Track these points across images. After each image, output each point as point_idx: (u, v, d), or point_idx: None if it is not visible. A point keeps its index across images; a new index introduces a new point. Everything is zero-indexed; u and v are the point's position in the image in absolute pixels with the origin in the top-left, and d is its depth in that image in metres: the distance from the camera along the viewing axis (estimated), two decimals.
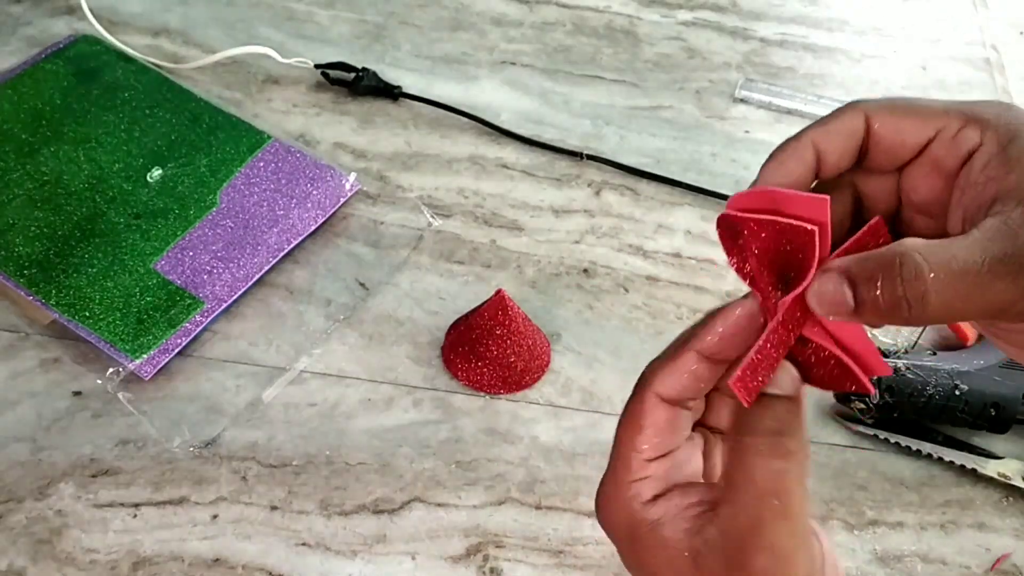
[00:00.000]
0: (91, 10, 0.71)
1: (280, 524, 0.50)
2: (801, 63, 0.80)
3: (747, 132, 0.73)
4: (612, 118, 0.73)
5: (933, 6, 0.87)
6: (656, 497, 0.29)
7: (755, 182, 0.30)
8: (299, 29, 0.77)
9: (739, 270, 0.29)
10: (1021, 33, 0.86)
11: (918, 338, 0.59)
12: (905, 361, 0.55)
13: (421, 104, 0.71)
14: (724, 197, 0.68)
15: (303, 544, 0.50)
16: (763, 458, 0.27)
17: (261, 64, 0.73)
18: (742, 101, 0.76)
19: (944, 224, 0.30)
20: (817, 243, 0.27)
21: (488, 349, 0.55)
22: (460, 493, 0.52)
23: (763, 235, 0.28)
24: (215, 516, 0.50)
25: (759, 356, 0.28)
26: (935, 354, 0.56)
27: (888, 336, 0.61)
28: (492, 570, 0.50)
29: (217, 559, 0.49)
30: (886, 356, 0.57)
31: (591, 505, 0.52)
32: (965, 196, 0.28)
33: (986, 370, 0.55)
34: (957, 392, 0.54)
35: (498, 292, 0.55)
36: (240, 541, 0.50)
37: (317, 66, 0.72)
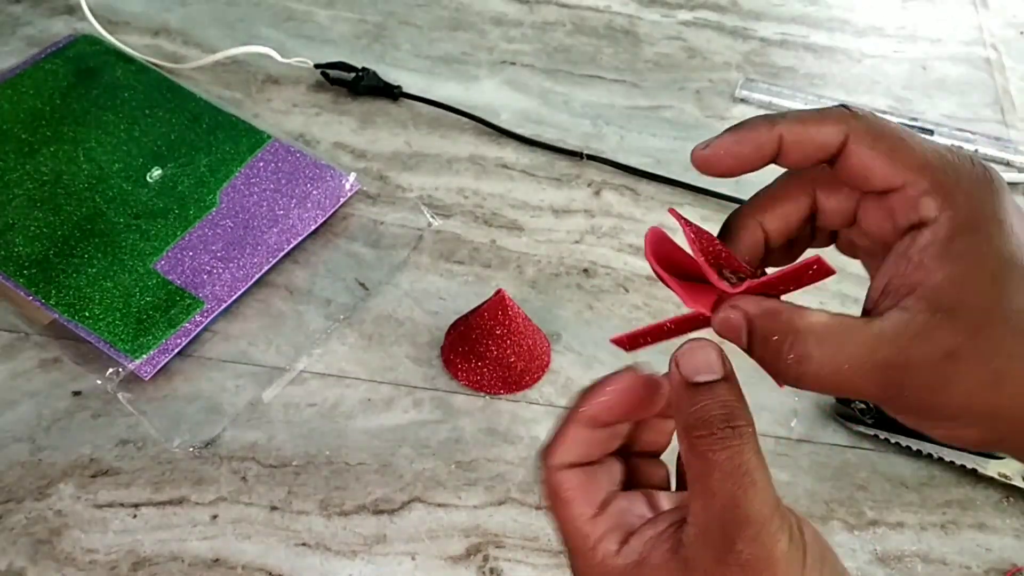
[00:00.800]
0: (91, 10, 0.71)
1: (280, 524, 0.50)
2: (801, 63, 0.80)
3: None
4: (612, 118, 0.73)
5: (933, 6, 0.87)
6: (623, 543, 0.29)
7: (712, 148, 0.30)
8: (299, 29, 0.77)
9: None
10: (1021, 33, 0.86)
11: None
12: None
13: (421, 104, 0.71)
14: (724, 197, 0.68)
15: (303, 544, 0.50)
16: (719, 443, 0.27)
17: (261, 64, 0.73)
18: (742, 101, 0.76)
19: (876, 267, 0.31)
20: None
21: (488, 349, 0.55)
22: (460, 493, 0.52)
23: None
24: (215, 516, 0.50)
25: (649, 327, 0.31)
26: None
27: None
28: (492, 570, 0.50)
29: (217, 559, 0.49)
30: None
31: None
32: (896, 266, 0.28)
33: None
34: None
35: (498, 292, 0.55)
36: (240, 541, 0.50)
37: (317, 66, 0.72)
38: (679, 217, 0.30)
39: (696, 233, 0.30)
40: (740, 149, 0.29)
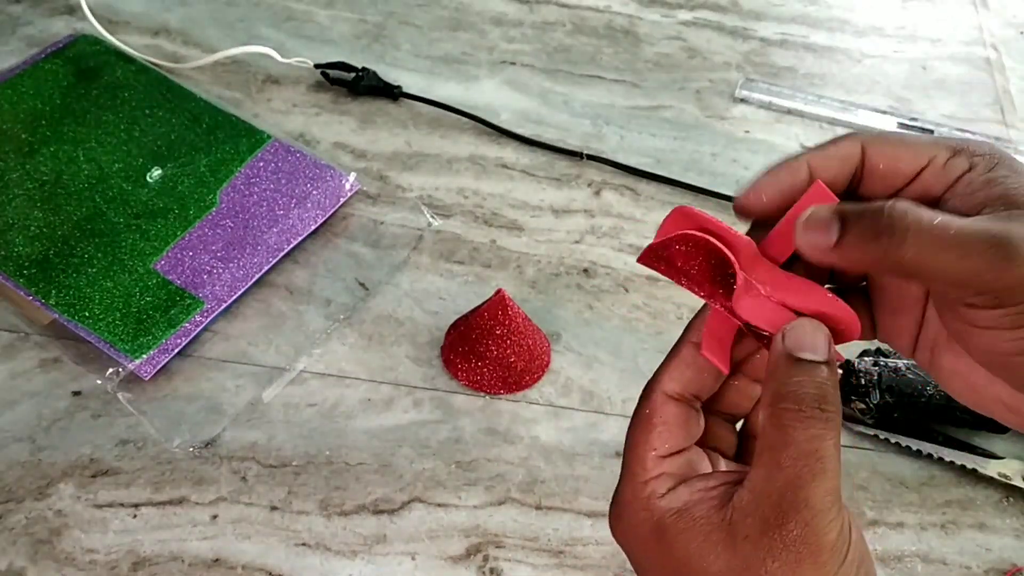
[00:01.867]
0: (91, 10, 0.71)
1: (280, 524, 0.50)
2: (801, 63, 0.80)
3: (747, 132, 0.73)
4: (612, 118, 0.73)
5: (933, 6, 0.87)
6: (673, 488, 0.30)
7: (749, 190, 0.31)
8: (299, 29, 0.77)
9: (690, 288, 0.31)
10: (1021, 33, 0.86)
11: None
12: (906, 362, 0.55)
13: (421, 104, 0.71)
14: (725, 197, 0.68)
15: (303, 544, 0.50)
16: (804, 421, 0.27)
17: (261, 64, 0.73)
18: (742, 101, 0.76)
19: None
20: (722, 249, 0.30)
21: (488, 349, 0.55)
22: (460, 493, 0.52)
23: (686, 249, 0.31)
24: (215, 516, 0.50)
25: (713, 323, 0.31)
26: None
27: None
28: (492, 570, 0.50)
29: (217, 559, 0.49)
30: (886, 356, 0.56)
31: (591, 505, 0.52)
32: (947, 206, 0.29)
33: None
34: None
35: (498, 292, 0.55)
36: (240, 541, 0.50)
37: (317, 66, 0.72)
38: (662, 244, 0.30)
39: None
40: (775, 182, 0.31)
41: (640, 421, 0.31)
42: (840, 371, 0.54)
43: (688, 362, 0.32)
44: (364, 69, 0.72)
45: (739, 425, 0.35)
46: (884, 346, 0.58)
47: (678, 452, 0.31)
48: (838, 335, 0.29)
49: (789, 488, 0.27)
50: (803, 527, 0.27)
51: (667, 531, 0.29)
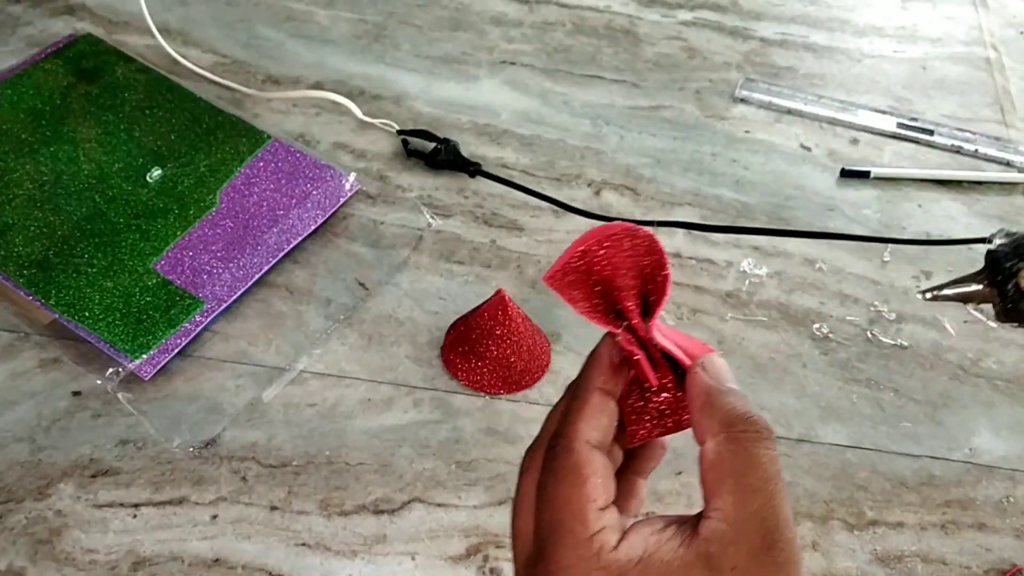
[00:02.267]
0: (91, 10, 0.71)
1: (280, 524, 0.50)
2: (801, 63, 0.80)
3: (747, 132, 0.73)
4: (612, 118, 0.73)
5: (933, 6, 0.87)
6: (621, 540, 0.28)
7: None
8: (299, 29, 0.77)
9: (588, 313, 0.31)
10: (1021, 33, 0.86)
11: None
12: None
13: (492, 182, 0.67)
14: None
15: (303, 544, 0.50)
16: (763, 443, 0.27)
17: (261, 64, 0.73)
18: (742, 101, 0.76)
19: None
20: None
21: (488, 349, 0.55)
22: (460, 493, 0.52)
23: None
24: (215, 516, 0.50)
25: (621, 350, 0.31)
26: None
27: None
28: (492, 570, 0.50)
29: (217, 559, 0.49)
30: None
31: None
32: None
33: None
34: None
35: (498, 292, 0.55)
36: (240, 541, 0.50)
37: (399, 132, 0.69)
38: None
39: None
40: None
41: (568, 475, 0.29)
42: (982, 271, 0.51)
43: (602, 409, 0.30)
44: (445, 140, 0.68)
45: None
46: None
47: (608, 505, 0.29)
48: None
49: (767, 509, 0.26)
50: (789, 545, 0.26)
51: None
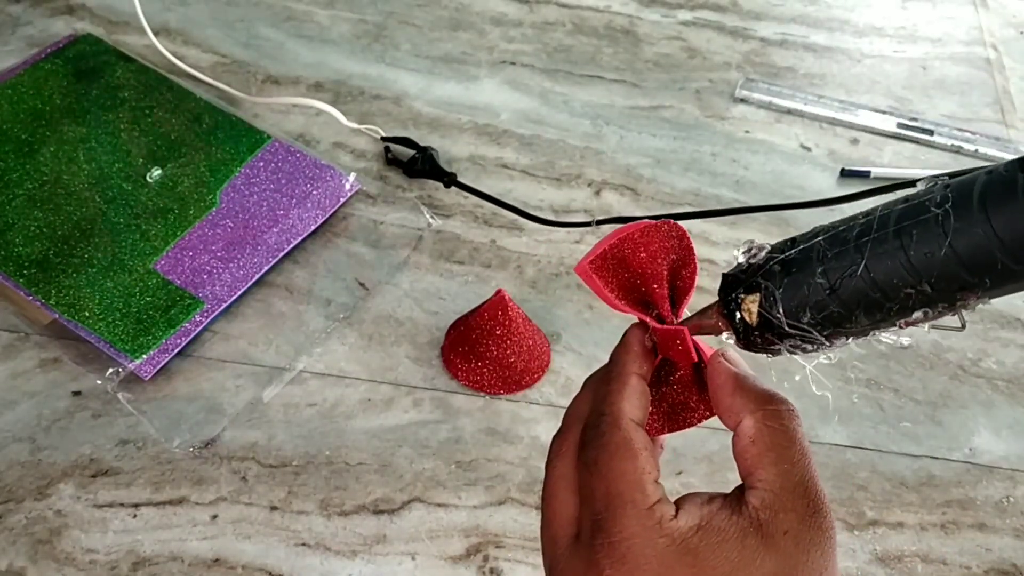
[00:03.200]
0: (91, 10, 0.71)
1: (280, 524, 0.50)
2: (801, 63, 0.80)
3: (747, 132, 0.73)
4: (612, 118, 0.73)
5: (933, 6, 0.87)
6: (677, 511, 0.29)
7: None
8: (299, 29, 0.77)
9: (616, 306, 0.33)
10: (1021, 33, 0.86)
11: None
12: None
13: (470, 195, 0.67)
14: (726, 209, 0.68)
15: (303, 544, 0.50)
16: (796, 419, 0.30)
17: (261, 64, 0.73)
18: (742, 101, 0.76)
19: None
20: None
21: (488, 349, 0.55)
22: (460, 493, 0.52)
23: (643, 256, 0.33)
24: (215, 516, 0.50)
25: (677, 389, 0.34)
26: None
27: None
28: (492, 570, 0.50)
29: (217, 559, 0.49)
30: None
31: None
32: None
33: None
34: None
35: (498, 292, 0.55)
36: (240, 541, 0.50)
37: (384, 139, 0.69)
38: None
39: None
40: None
41: (620, 451, 0.29)
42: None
43: (641, 391, 0.32)
44: (424, 149, 0.68)
45: None
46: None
47: (658, 478, 0.30)
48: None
49: (809, 479, 0.28)
50: (830, 513, 0.28)
51: (698, 551, 0.27)
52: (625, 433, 0.30)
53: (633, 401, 0.31)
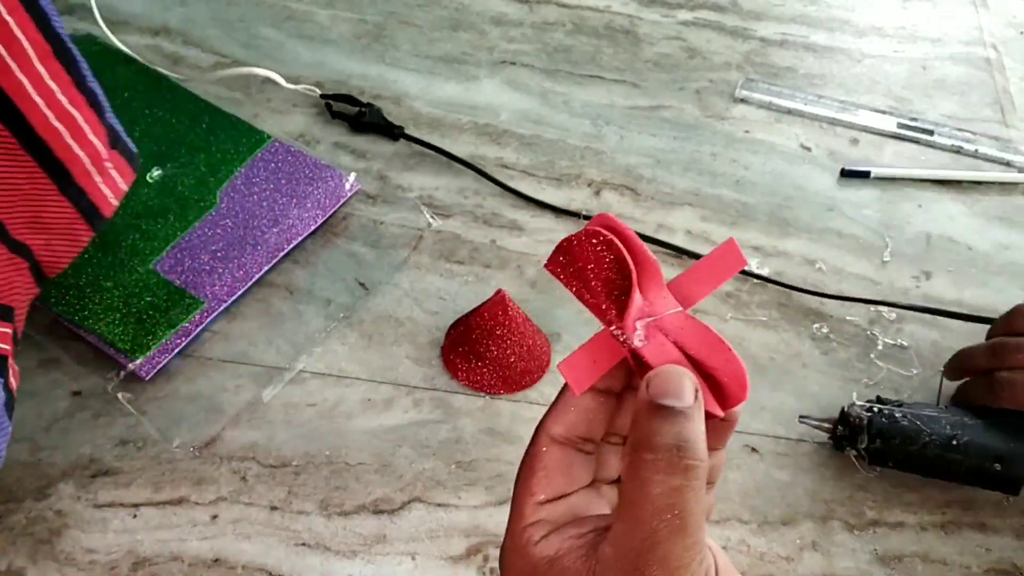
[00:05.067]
0: (91, 10, 0.71)
1: (280, 524, 0.50)
2: (801, 63, 0.80)
3: (747, 132, 0.73)
4: (612, 118, 0.73)
5: (933, 6, 0.87)
6: (546, 535, 0.29)
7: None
8: (299, 29, 0.77)
9: (584, 298, 0.30)
10: (1021, 33, 0.86)
11: (937, 394, 0.57)
12: (904, 410, 0.52)
13: (419, 146, 0.69)
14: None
15: (303, 544, 0.50)
16: (661, 474, 0.26)
17: (262, 64, 0.73)
18: (742, 101, 0.76)
19: None
20: (626, 252, 0.29)
21: (488, 349, 0.55)
22: (460, 493, 0.52)
23: (594, 254, 0.30)
24: (215, 516, 0.50)
25: (592, 345, 0.30)
26: (945, 408, 0.53)
27: (890, 394, 0.61)
28: (492, 570, 0.50)
29: (217, 559, 0.49)
30: (884, 403, 0.54)
31: None
32: None
33: (992, 422, 0.51)
34: (954, 442, 0.50)
35: (498, 292, 0.55)
36: (240, 541, 0.50)
37: (323, 96, 0.70)
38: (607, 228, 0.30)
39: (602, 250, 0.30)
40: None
41: (523, 465, 0.31)
42: (837, 418, 0.54)
43: (571, 404, 0.31)
44: (368, 105, 0.70)
45: None
46: (883, 394, 0.56)
47: (560, 498, 0.30)
48: (727, 391, 0.28)
49: (646, 546, 0.26)
50: None
51: None
52: (534, 450, 0.31)
53: (558, 416, 0.31)
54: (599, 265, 0.30)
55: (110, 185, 0.42)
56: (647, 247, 0.30)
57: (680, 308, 0.30)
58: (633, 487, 0.27)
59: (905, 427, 0.51)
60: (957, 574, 0.52)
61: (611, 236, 0.29)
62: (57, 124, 0.37)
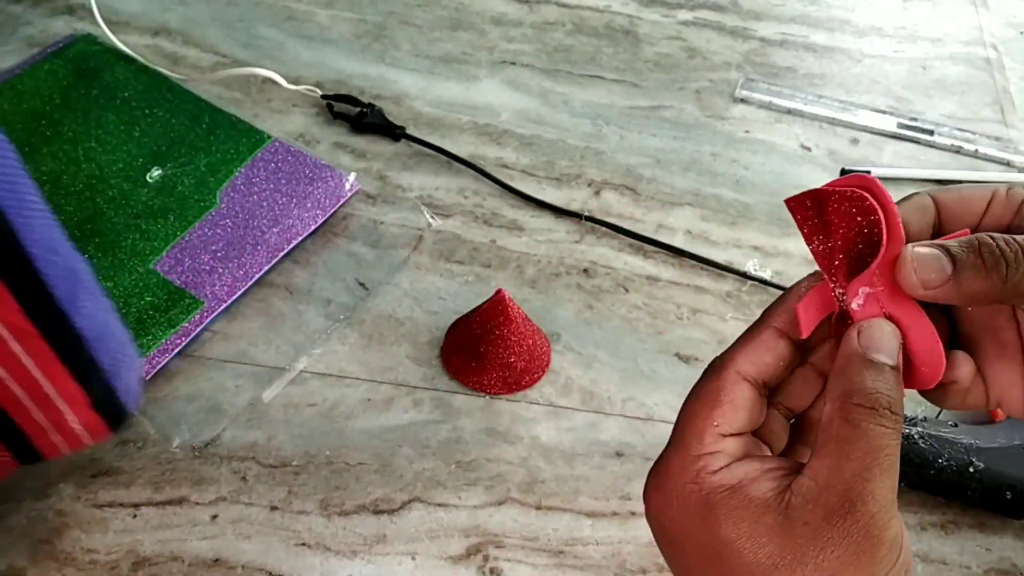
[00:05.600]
0: (91, 10, 0.71)
1: (280, 524, 0.50)
2: (801, 63, 0.80)
3: (747, 132, 0.73)
4: (612, 118, 0.73)
5: (933, 6, 0.87)
6: (727, 465, 0.29)
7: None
8: (299, 29, 0.77)
9: (820, 250, 0.31)
10: (1021, 33, 0.86)
11: (940, 411, 0.56)
12: (920, 429, 0.52)
13: (421, 146, 0.69)
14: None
15: (303, 544, 0.50)
16: (876, 419, 0.27)
17: (262, 64, 0.73)
18: (742, 101, 0.76)
19: None
20: (884, 225, 0.29)
21: (488, 349, 0.55)
22: (460, 493, 0.52)
23: (843, 209, 0.30)
24: (215, 516, 0.50)
25: (814, 295, 0.31)
26: (956, 426, 0.53)
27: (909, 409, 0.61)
28: (492, 570, 0.50)
29: (217, 559, 0.49)
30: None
31: (591, 505, 0.52)
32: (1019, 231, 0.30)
33: (1008, 449, 0.52)
34: (971, 469, 0.51)
35: (498, 292, 0.55)
36: (240, 541, 0.50)
37: (324, 96, 0.70)
38: (828, 192, 0.30)
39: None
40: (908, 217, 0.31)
41: (705, 395, 0.30)
42: None
43: (769, 346, 0.31)
44: (370, 105, 0.70)
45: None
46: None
47: (737, 434, 0.30)
48: (918, 375, 0.30)
49: (857, 479, 0.27)
50: (868, 519, 0.27)
51: (716, 508, 0.28)
52: (720, 382, 0.30)
53: (751, 354, 0.31)
54: (849, 227, 0.30)
55: (69, 440, 0.39)
56: (900, 221, 0.30)
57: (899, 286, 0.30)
58: (847, 429, 0.27)
59: (923, 450, 0.52)
60: (957, 574, 0.52)
61: (876, 208, 0.29)
62: (17, 390, 0.35)
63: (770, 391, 0.32)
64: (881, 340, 0.29)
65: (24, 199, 0.34)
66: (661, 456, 0.31)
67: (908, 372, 0.30)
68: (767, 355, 0.31)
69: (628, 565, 0.50)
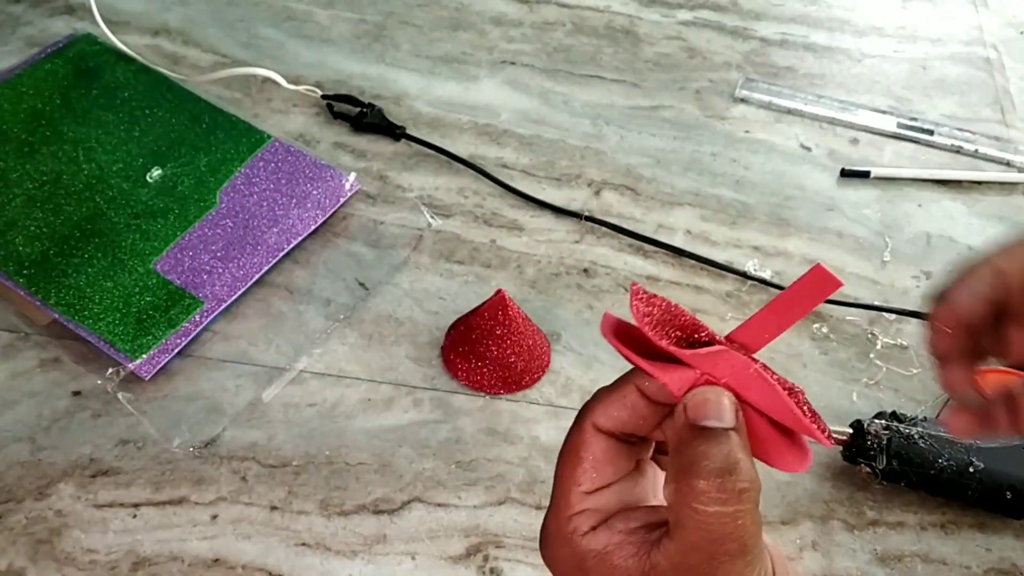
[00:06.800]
0: (91, 10, 0.70)
1: (280, 524, 0.50)
2: (801, 63, 0.80)
3: (747, 132, 0.73)
4: (612, 118, 0.73)
5: (933, 6, 0.87)
6: (595, 527, 0.29)
7: (942, 307, 0.34)
8: (299, 29, 0.77)
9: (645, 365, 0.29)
10: (1021, 33, 0.86)
11: (942, 408, 0.57)
12: (920, 429, 0.52)
13: (421, 146, 0.69)
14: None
15: (303, 544, 0.50)
16: (715, 504, 0.25)
17: (262, 64, 0.73)
18: (742, 101, 0.76)
19: None
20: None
21: (488, 349, 0.55)
22: (460, 493, 0.52)
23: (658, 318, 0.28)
24: (215, 516, 0.50)
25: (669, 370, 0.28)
26: None
27: (908, 408, 0.61)
28: (492, 570, 0.50)
29: (217, 559, 0.49)
30: (901, 421, 0.53)
31: None
32: None
33: (1008, 449, 0.52)
34: (971, 469, 0.51)
35: (498, 292, 0.55)
36: (240, 541, 0.50)
37: (324, 96, 0.70)
38: (638, 297, 0.28)
39: (648, 311, 0.28)
40: (968, 291, 0.33)
41: (568, 453, 0.30)
42: (851, 430, 0.53)
43: (627, 404, 0.29)
44: (370, 105, 0.70)
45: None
46: (900, 410, 0.55)
47: (606, 487, 0.30)
48: (788, 457, 0.28)
49: (705, 571, 0.26)
50: None
51: (588, 573, 0.28)
52: (579, 438, 0.29)
53: (609, 408, 0.29)
54: (667, 331, 0.28)
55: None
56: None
57: (746, 361, 0.28)
58: (686, 515, 0.26)
59: (923, 450, 0.52)
60: (957, 574, 0.52)
61: (683, 312, 0.28)
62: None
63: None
64: (709, 404, 0.27)
65: None
66: (546, 513, 0.30)
67: (773, 450, 0.28)
68: (624, 413, 0.29)
69: None
